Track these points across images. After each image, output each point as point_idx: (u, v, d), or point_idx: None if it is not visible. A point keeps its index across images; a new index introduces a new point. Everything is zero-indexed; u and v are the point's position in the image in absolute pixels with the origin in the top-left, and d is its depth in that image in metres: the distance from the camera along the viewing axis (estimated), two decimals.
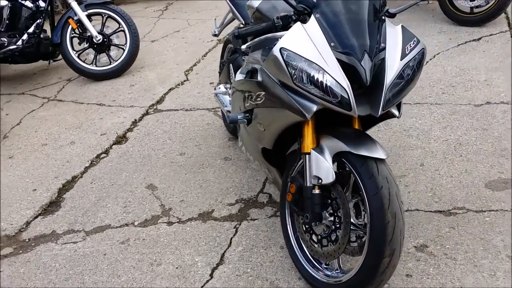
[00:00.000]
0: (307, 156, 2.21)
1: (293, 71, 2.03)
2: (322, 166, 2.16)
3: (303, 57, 2.01)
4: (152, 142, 4.05)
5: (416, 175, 3.16)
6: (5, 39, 5.10)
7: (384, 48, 2.08)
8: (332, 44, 2.04)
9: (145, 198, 3.32)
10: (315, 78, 2.00)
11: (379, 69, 2.06)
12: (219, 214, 3.06)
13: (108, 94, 5.12)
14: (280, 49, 2.05)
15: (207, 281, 2.56)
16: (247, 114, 2.53)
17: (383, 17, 2.17)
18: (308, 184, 2.21)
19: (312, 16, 2.12)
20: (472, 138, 3.47)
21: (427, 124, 3.72)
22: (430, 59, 4.77)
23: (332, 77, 1.98)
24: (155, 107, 4.70)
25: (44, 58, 5.44)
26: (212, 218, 3.03)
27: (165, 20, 7.66)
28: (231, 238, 2.84)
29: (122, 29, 5.33)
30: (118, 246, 2.89)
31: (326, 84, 1.99)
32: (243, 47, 2.28)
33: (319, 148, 2.19)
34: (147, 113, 4.58)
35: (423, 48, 2.17)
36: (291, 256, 2.52)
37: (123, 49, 5.37)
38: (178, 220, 3.06)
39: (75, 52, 5.31)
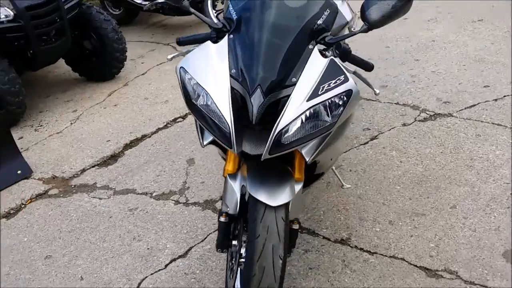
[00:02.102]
0: (225, 179, 2.10)
1: (186, 92, 1.91)
2: (231, 195, 2.04)
3: (195, 80, 1.87)
4: None
5: (436, 218, 2.69)
6: None
7: (294, 84, 1.80)
8: (232, 71, 1.85)
9: (178, 171, 3.49)
10: (202, 105, 1.86)
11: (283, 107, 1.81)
12: (219, 205, 3.07)
13: None
14: (180, 67, 1.93)
15: (158, 270, 2.66)
16: None
17: (310, 47, 1.86)
18: (222, 210, 2.11)
19: (226, 36, 1.93)
20: None
21: (501, 159, 3.05)
22: None
23: (217, 107, 1.81)
24: None
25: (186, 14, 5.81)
26: (212, 208, 3.07)
27: None
28: (209, 234, 2.85)
29: None
30: (125, 213, 3.15)
31: (205, 116, 1.84)
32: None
33: (234, 175, 2.06)
34: None
35: (350, 90, 1.82)
36: None
37: None
38: (185, 201, 3.17)
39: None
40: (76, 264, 2.80)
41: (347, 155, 3.31)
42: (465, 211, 2.70)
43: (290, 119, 1.76)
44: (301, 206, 2.15)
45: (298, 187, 2.05)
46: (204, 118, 1.86)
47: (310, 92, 1.78)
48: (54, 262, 2.84)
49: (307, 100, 1.78)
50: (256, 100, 1.77)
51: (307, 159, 1.88)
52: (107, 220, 3.11)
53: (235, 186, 2.02)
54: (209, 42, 1.96)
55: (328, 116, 1.83)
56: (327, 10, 1.97)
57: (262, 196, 1.88)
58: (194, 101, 1.88)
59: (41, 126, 4.46)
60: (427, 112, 3.66)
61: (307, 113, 1.78)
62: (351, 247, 2.59)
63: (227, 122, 1.79)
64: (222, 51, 1.90)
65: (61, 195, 3.46)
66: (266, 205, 1.87)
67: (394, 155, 3.25)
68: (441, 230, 2.61)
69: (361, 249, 2.57)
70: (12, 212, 3.35)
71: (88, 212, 3.22)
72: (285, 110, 1.76)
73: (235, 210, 2.01)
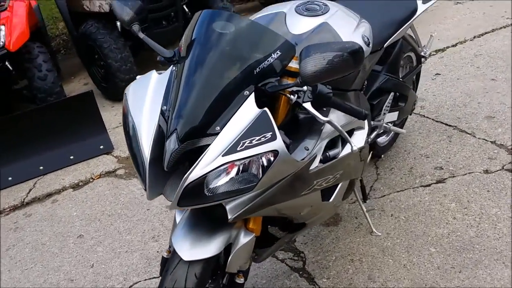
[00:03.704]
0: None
1: (123, 118, 1.82)
2: None
3: (129, 108, 1.77)
4: None
5: None
6: None
7: (217, 134, 1.60)
8: (164, 107, 1.71)
9: None
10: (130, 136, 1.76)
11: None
12: None
13: None
14: (125, 91, 1.85)
15: (152, 278, 2.68)
16: None
17: (246, 93, 1.62)
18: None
19: (171, 67, 1.78)
20: None
21: None
22: None
23: (140, 143, 1.69)
24: None
25: None
26: None
27: None
28: None
29: None
30: (161, 208, 3.21)
31: (132, 150, 1.74)
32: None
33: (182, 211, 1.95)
34: None
35: (276, 150, 1.55)
36: None
37: None
38: None
39: None
40: (95, 250, 2.95)
41: (398, 196, 2.89)
42: None
43: (200, 174, 1.57)
44: (249, 259, 1.94)
45: (246, 238, 1.86)
46: (131, 150, 1.76)
47: (228, 147, 1.56)
48: (81, 243, 3.03)
49: (223, 155, 1.56)
50: (170, 146, 1.61)
51: (229, 217, 1.67)
52: (143, 212, 3.20)
53: None
54: (153, 72, 1.83)
55: (256, 175, 1.60)
56: (278, 52, 1.68)
57: (180, 246, 1.75)
58: (125, 129, 1.79)
59: None
60: None
61: (240, 166, 1.57)
62: None
63: (144, 162, 1.67)
64: (163, 83, 1.76)
65: (124, 176, 3.64)
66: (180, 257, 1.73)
67: (452, 207, 2.74)
68: None
69: None
70: (80, 184, 3.64)
71: (134, 199, 3.35)
72: (198, 163, 1.57)
73: None
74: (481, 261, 2.39)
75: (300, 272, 2.53)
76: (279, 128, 1.83)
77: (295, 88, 1.69)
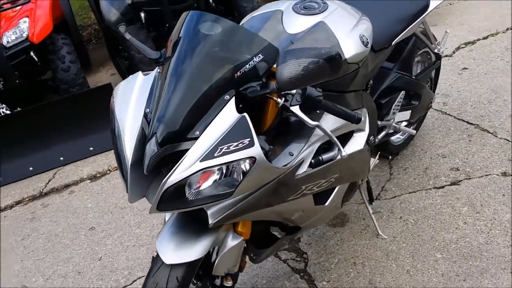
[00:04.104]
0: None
1: (111, 120, 1.82)
2: None
3: (114, 109, 1.77)
4: None
5: None
6: None
7: (197, 138, 1.57)
8: (147, 109, 1.70)
9: None
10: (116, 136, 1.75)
11: None
12: None
13: None
14: (114, 91, 1.84)
15: None
16: None
17: (226, 97, 1.58)
18: None
19: (156, 68, 1.76)
20: None
21: None
22: None
23: (123, 145, 1.69)
24: None
25: None
26: None
27: None
28: None
29: None
30: None
31: (117, 151, 1.74)
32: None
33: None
34: None
35: (253, 157, 1.52)
36: None
37: None
38: None
39: None
40: (105, 243, 2.99)
41: (410, 197, 2.80)
42: None
43: (179, 179, 1.55)
44: (237, 262, 1.92)
45: (234, 242, 1.84)
46: (116, 151, 1.76)
47: (206, 152, 1.54)
48: (92, 235, 3.08)
49: (201, 161, 1.54)
50: (149, 149, 1.59)
51: (209, 222, 1.65)
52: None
53: None
54: (139, 73, 1.81)
55: (237, 181, 1.57)
56: (260, 55, 1.63)
57: (163, 249, 1.74)
58: (111, 130, 1.79)
59: None
60: None
61: (223, 170, 1.56)
62: None
63: (126, 164, 1.67)
64: (148, 84, 1.75)
65: None
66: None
67: (464, 212, 2.63)
68: None
69: None
70: (97, 175, 3.70)
71: None
72: (176, 167, 1.56)
73: None
74: (488, 269, 2.29)
75: (301, 274, 2.49)
76: (267, 132, 1.81)
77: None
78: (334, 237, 2.65)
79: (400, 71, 2.66)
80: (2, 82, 4.10)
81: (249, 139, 1.54)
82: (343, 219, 2.77)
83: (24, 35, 4.05)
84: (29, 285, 2.81)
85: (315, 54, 1.44)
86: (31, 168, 3.83)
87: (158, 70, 1.76)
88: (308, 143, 1.80)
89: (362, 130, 2.13)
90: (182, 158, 1.56)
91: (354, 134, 2.11)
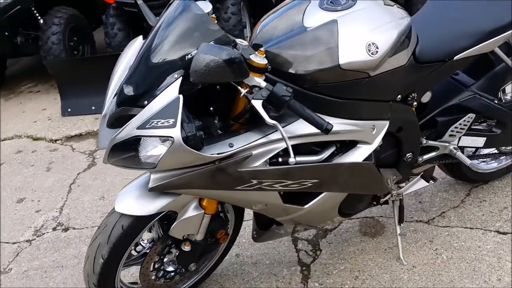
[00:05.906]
0: None
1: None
2: None
3: (115, 68, 1.97)
4: None
5: None
6: None
7: (143, 107, 1.72)
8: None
9: None
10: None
11: None
12: None
13: None
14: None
15: None
16: None
17: (175, 76, 1.69)
18: None
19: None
20: None
21: None
22: None
23: (106, 97, 1.90)
24: None
25: None
26: None
27: None
28: None
29: None
30: None
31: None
32: None
33: None
34: None
35: (172, 138, 1.62)
36: None
37: None
38: None
39: None
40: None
41: (463, 232, 2.49)
42: None
43: (121, 139, 1.72)
44: (196, 231, 2.01)
45: (194, 212, 2.01)
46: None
47: (142, 122, 1.67)
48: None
49: (137, 128, 1.69)
50: (110, 107, 1.79)
51: (149, 185, 1.81)
52: None
53: None
54: (139, 38, 1.96)
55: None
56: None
57: (120, 197, 1.95)
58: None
59: None
60: None
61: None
62: None
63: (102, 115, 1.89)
64: (136, 50, 1.90)
65: None
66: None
67: (507, 268, 2.25)
68: None
69: None
70: None
71: None
72: (123, 129, 1.73)
73: None
74: None
75: (303, 268, 2.46)
76: (235, 119, 1.85)
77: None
78: (357, 245, 2.53)
79: (480, 91, 2.31)
80: None
81: (173, 120, 1.62)
82: (379, 231, 2.61)
83: None
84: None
85: (217, 53, 1.46)
86: (69, 110, 4.67)
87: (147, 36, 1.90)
88: (264, 140, 1.78)
89: (368, 143, 1.99)
90: (128, 122, 1.71)
91: (358, 145, 1.99)
